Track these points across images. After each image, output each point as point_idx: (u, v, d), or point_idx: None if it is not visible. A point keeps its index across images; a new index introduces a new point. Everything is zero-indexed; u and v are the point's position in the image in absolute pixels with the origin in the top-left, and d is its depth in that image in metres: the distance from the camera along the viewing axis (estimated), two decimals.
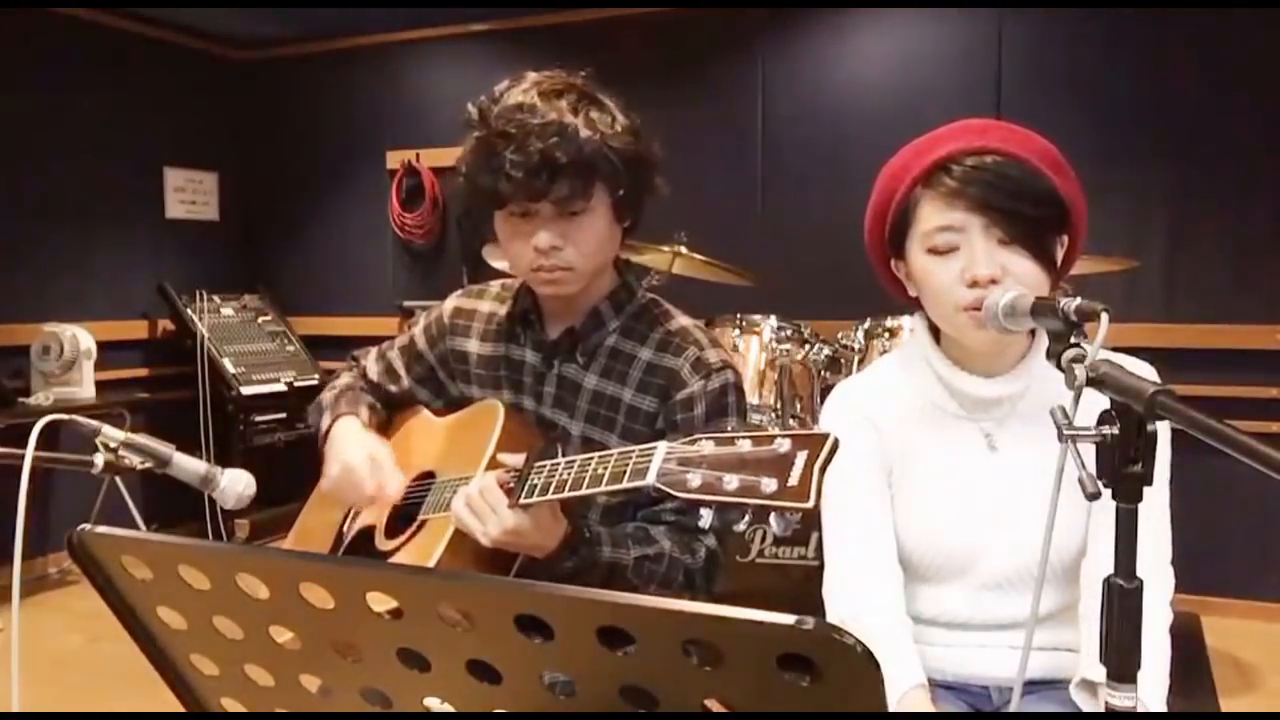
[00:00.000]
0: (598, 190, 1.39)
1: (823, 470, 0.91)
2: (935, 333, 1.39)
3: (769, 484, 0.91)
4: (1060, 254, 1.32)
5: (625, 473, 1.07)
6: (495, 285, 1.64)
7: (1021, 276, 1.25)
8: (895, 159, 1.37)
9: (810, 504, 0.90)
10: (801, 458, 0.92)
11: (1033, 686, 1.35)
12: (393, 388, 1.67)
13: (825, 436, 0.93)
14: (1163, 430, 1.27)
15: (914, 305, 1.39)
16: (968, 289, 1.26)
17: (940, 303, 1.31)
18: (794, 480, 0.91)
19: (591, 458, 1.15)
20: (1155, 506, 1.29)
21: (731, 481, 0.94)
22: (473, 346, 1.59)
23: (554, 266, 1.41)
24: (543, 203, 1.37)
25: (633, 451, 1.08)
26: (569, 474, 1.17)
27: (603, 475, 1.11)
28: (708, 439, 0.99)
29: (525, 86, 1.40)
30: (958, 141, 1.30)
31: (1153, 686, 1.22)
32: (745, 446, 0.96)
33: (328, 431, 1.58)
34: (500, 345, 1.56)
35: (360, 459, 1.48)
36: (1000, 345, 1.32)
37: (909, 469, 1.38)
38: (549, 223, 1.39)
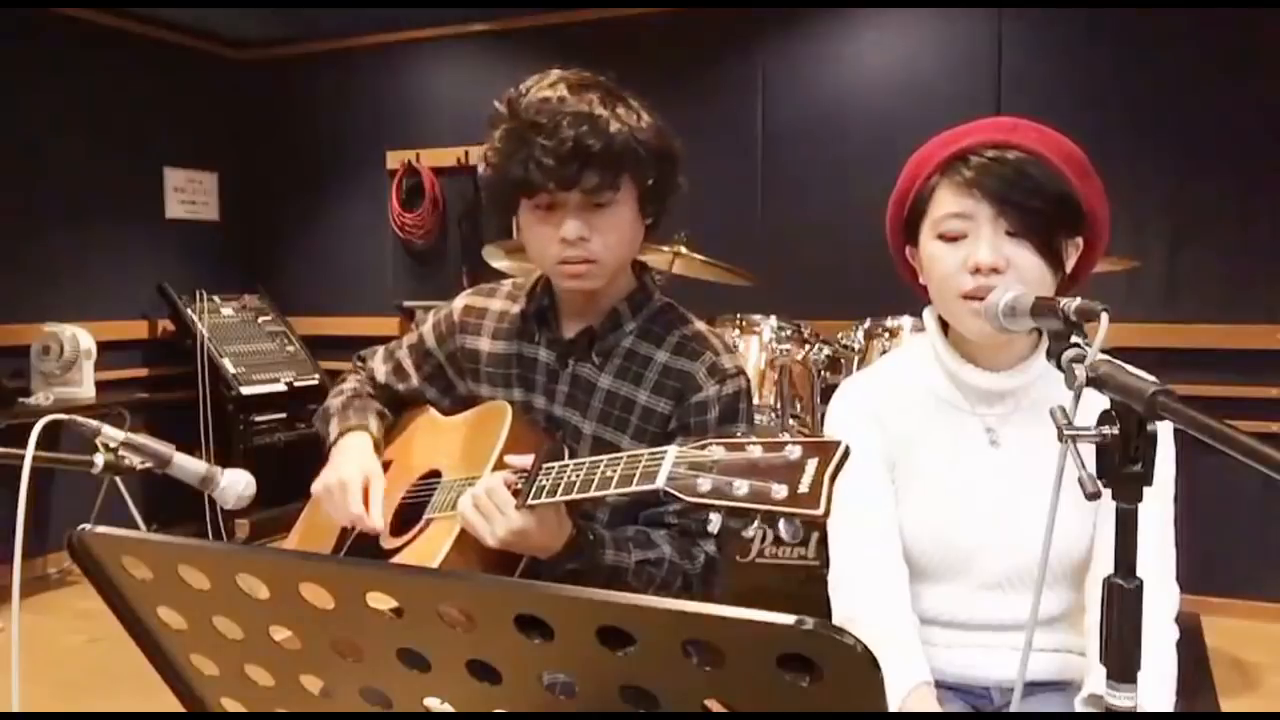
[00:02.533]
0: (625, 182, 1.40)
1: (833, 478, 0.90)
2: (945, 325, 1.40)
3: (779, 490, 0.91)
4: (1074, 257, 1.33)
5: (635, 476, 1.07)
6: (507, 284, 1.65)
7: (1024, 269, 1.26)
8: (922, 148, 1.38)
9: (820, 512, 0.88)
10: (812, 465, 0.91)
11: (1038, 688, 1.35)
12: (400, 386, 1.67)
13: (836, 444, 0.91)
14: (1166, 444, 1.28)
15: (928, 298, 1.40)
16: (969, 276, 1.27)
17: (942, 289, 1.32)
18: (804, 487, 0.90)
19: (600, 460, 1.15)
20: (1159, 518, 1.29)
21: (741, 487, 0.93)
22: (484, 344, 1.59)
23: (579, 258, 1.41)
24: (571, 192, 1.38)
25: (642, 454, 1.08)
26: (577, 476, 1.16)
27: (611, 478, 1.11)
28: (718, 443, 0.98)
29: (552, 80, 1.41)
30: (983, 135, 1.31)
31: (1159, 703, 1.21)
32: (756, 452, 0.95)
33: (336, 440, 1.58)
34: (513, 343, 1.56)
35: (356, 480, 1.48)
36: (1003, 340, 1.32)
37: (911, 464, 1.38)
38: (576, 213, 1.40)
